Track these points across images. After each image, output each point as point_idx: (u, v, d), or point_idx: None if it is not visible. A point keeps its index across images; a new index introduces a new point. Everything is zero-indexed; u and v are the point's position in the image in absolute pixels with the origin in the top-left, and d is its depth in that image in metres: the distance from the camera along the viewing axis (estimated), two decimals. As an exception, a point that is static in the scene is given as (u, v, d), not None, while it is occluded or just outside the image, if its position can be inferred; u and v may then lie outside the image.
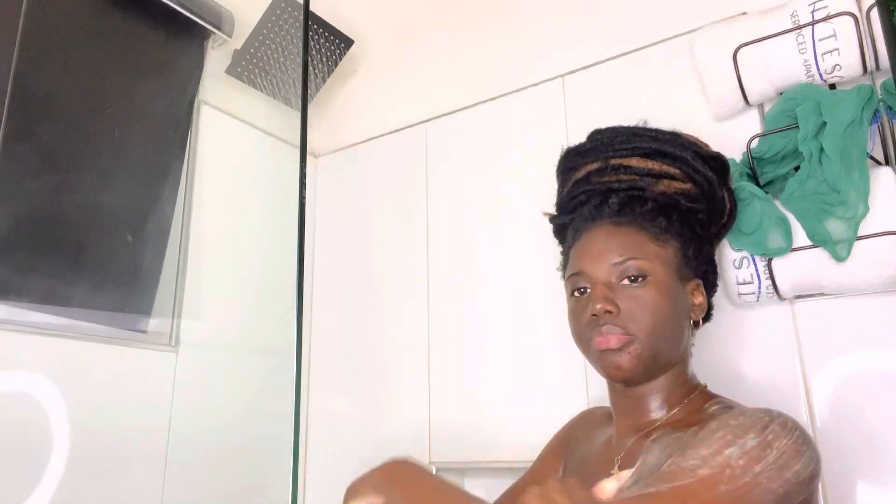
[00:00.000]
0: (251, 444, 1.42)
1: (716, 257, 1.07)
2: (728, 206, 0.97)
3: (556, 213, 1.01)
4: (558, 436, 1.01)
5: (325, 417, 1.55)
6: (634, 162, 0.90)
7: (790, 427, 0.64)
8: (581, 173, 0.95)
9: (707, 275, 0.91)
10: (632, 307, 0.80)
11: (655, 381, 0.83)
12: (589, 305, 0.81)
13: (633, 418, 0.84)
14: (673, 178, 0.89)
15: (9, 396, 1.06)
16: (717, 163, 0.95)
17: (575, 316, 0.86)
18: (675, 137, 0.92)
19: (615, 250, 0.83)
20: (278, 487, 1.43)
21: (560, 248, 0.99)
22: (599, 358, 0.82)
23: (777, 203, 1.01)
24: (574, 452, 0.94)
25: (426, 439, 1.37)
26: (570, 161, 0.98)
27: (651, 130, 0.93)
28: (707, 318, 0.92)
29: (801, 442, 0.63)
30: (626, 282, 0.81)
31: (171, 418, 1.28)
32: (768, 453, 0.60)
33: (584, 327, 0.83)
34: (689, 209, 0.90)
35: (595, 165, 0.93)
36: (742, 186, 1.01)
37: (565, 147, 1.00)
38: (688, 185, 0.90)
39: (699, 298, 0.87)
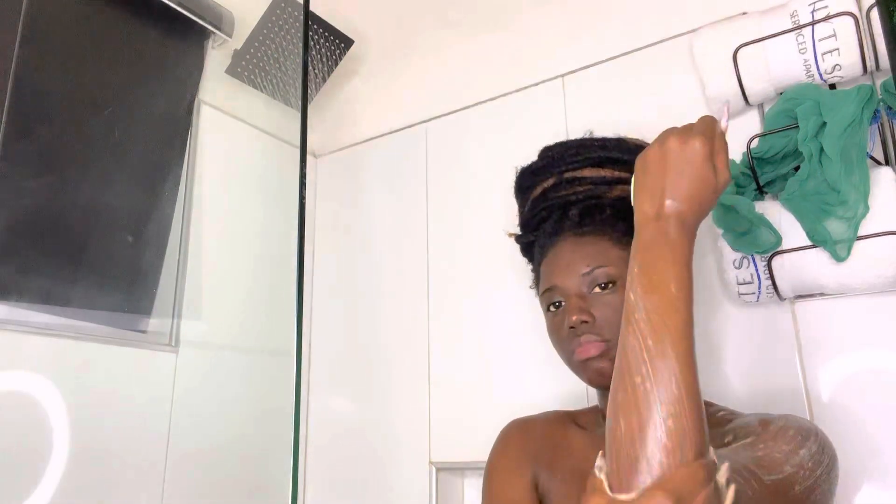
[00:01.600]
0: (251, 444, 1.42)
1: (716, 257, 1.08)
2: None
3: (520, 233, 1.03)
4: (510, 456, 0.92)
5: (325, 417, 1.55)
6: (587, 172, 0.92)
7: (826, 436, 0.70)
8: (537, 191, 0.97)
9: None
10: (606, 314, 0.81)
11: None
12: (565, 318, 0.83)
13: None
14: (626, 182, 0.90)
15: (9, 396, 1.06)
16: None
17: (554, 330, 0.87)
18: (621, 143, 0.94)
19: (582, 261, 0.85)
20: (278, 487, 1.43)
21: (530, 267, 1.00)
22: (582, 367, 0.83)
23: (776, 204, 1.01)
24: (552, 466, 0.89)
25: (426, 439, 1.37)
26: (525, 180, 1.00)
27: (598, 140, 0.95)
28: None
29: (833, 450, 0.69)
30: (597, 290, 0.83)
31: (171, 418, 1.28)
32: (824, 459, 0.66)
33: (564, 340, 0.84)
34: None
35: (550, 181, 0.95)
36: (722, 197, 1.00)
37: (518, 168, 1.02)
38: None
39: None
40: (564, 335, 0.84)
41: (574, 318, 0.81)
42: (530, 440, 0.93)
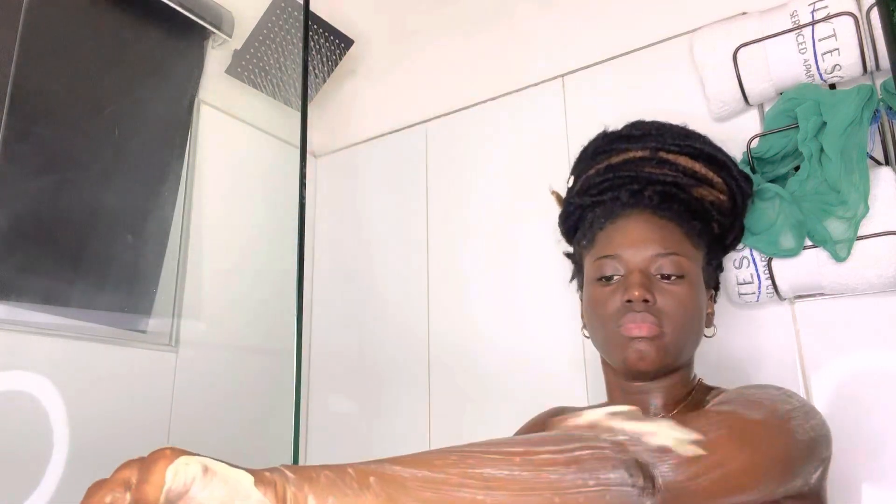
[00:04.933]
0: (251, 444, 1.42)
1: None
2: (738, 229, 0.96)
3: (577, 192, 0.95)
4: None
5: (325, 417, 1.55)
6: (682, 160, 0.88)
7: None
8: (618, 158, 0.91)
9: (717, 286, 0.92)
10: (667, 302, 0.78)
11: (664, 380, 0.81)
12: (619, 292, 0.79)
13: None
14: (713, 185, 0.88)
15: (9, 396, 1.06)
16: (748, 185, 0.94)
17: (600, 302, 0.81)
18: (721, 148, 0.91)
19: (660, 241, 0.80)
20: (278, 487, 1.43)
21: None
22: (626, 345, 0.77)
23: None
24: None
25: (426, 439, 1.37)
26: (610, 144, 0.93)
27: (702, 135, 0.91)
28: None
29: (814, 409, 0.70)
30: (660, 276, 0.79)
31: (171, 418, 1.28)
32: (794, 403, 0.67)
33: (613, 313, 0.79)
34: (717, 222, 0.89)
35: (640, 153, 0.90)
36: (767, 187, 1.00)
37: (604, 130, 0.95)
38: (724, 198, 0.89)
39: (710, 308, 0.87)
40: (615, 307, 0.79)
41: (637, 293, 0.76)
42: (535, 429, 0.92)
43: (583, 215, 0.92)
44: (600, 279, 0.82)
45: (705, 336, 0.86)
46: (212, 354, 1.39)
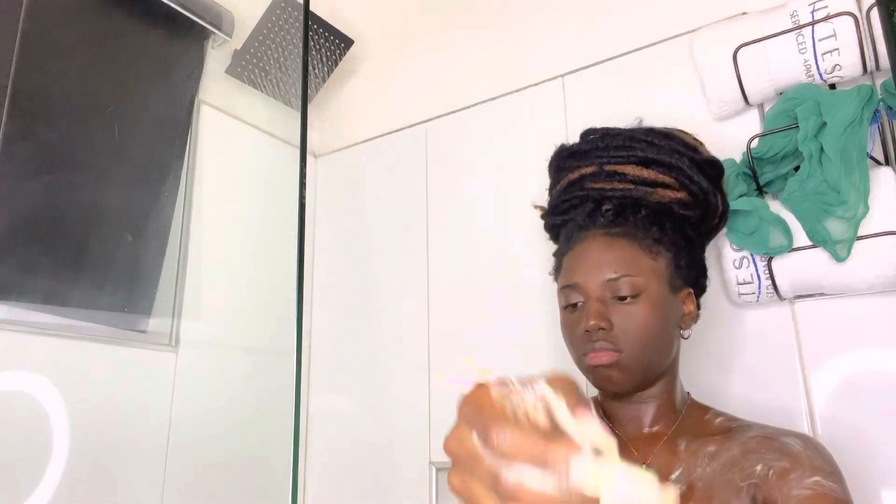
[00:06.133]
0: (251, 444, 1.42)
1: (716, 257, 1.08)
2: (720, 208, 0.96)
3: (547, 211, 1.00)
4: None
5: (325, 417, 1.55)
6: (630, 170, 0.89)
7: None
8: (574, 175, 0.94)
9: (698, 280, 0.91)
10: (624, 323, 0.80)
11: (648, 391, 0.84)
12: (582, 320, 0.82)
13: (631, 427, 0.85)
14: (668, 186, 0.89)
15: (9, 396, 1.06)
16: (713, 169, 0.94)
17: (568, 328, 0.86)
18: (670, 143, 0.90)
19: (610, 265, 0.83)
20: (278, 487, 1.43)
21: (549, 242, 0.99)
22: (591, 372, 0.82)
23: (775, 203, 1.01)
24: None
25: (426, 439, 1.37)
26: (564, 162, 0.97)
27: (647, 135, 0.91)
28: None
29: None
30: (619, 296, 0.82)
31: (171, 418, 1.28)
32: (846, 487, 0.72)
33: (578, 340, 0.83)
34: (683, 216, 0.89)
35: (589, 169, 0.92)
36: (740, 202, 1.01)
37: (559, 145, 0.99)
38: (682, 194, 0.89)
39: (690, 307, 0.87)
40: (579, 336, 0.83)
41: (592, 322, 0.80)
42: None
43: (557, 234, 0.97)
44: (566, 307, 0.87)
45: (682, 338, 0.88)
46: (212, 354, 1.39)
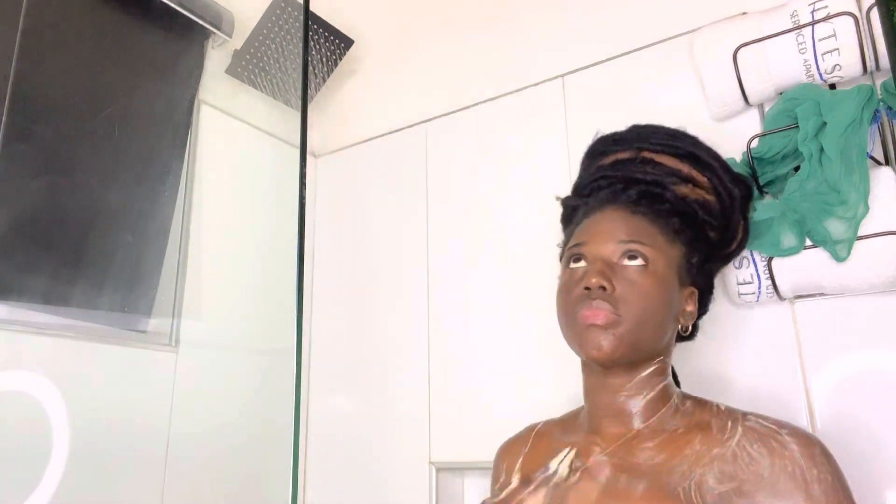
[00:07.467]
0: (251, 444, 1.42)
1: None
2: (740, 235, 0.95)
3: (570, 194, 0.99)
4: (509, 459, 0.92)
5: (325, 417, 1.55)
6: (665, 160, 0.88)
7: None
8: (608, 160, 0.93)
9: (703, 291, 0.90)
10: (626, 290, 0.78)
11: (627, 375, 0.81)
12: (583, 279, 0.79)
13: (618, 418, 0.82)
14: (697, 184, 0.88)
15: (9, 396, 1.06)
16: (744, 187, 0.94)
17: (566, 288, 0.83)
18: (711, 149, 0.91)
19: (624, 230, 0.81)
20: (278, 487, 1.43)
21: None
22: (582, 333, 0.78)
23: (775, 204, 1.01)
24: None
25: (426, 439, 1.37)
26: (602, 146, 0.96)
27: (691, 136, 0.91)
28: (691, 335, 0.91)
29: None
30: (626, 261, 0.80)
31: (171, 418, 1.28)
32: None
33: (574, 300, 0.80)
34: (704, 221, 0.88)
35: (625, 154, 0.91)
36: (765, 209, 1.00)
37: (599, 132, 0.98)
38: (710, 197, 0.89)
39: (690, 306, 0.86)
40: (576, 295, 0.80)
41: (594, 280, 0.77)
42: (540, 447, 0.91)
43: (571, 216, 0.94)
44: (567, 267, 0.84)
45: (682, 336, 0.86)
46: (212, 354, 1.39)
